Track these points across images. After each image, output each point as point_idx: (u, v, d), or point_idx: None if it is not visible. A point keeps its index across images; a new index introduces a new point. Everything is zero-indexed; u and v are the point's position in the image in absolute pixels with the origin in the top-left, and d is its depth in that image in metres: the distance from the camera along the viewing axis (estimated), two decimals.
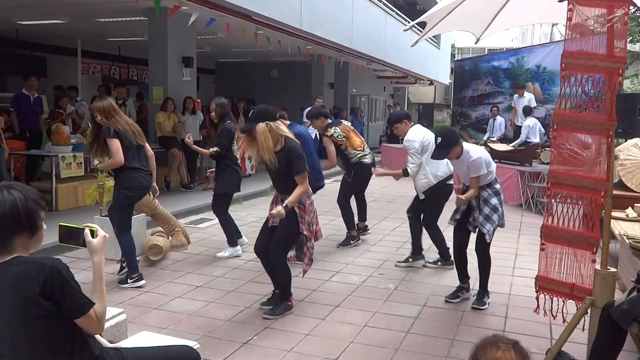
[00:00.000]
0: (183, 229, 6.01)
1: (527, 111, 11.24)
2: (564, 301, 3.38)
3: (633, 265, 4.10)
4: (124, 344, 2.48)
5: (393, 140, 15.36)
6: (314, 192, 4.34)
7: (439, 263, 5.37)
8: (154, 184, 4.86)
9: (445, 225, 5.66)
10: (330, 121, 6.06)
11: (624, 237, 4.54)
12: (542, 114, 13.05)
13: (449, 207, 5.02)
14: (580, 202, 3.22)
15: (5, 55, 12.26)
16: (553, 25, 26.14)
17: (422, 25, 4.85)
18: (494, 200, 4.18)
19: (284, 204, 3.87)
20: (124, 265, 4.80)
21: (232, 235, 5.64)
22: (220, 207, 5.62)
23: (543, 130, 11.29)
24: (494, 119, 13.41)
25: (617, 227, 4.92)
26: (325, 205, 7.70)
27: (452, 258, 5.07)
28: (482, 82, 17.11)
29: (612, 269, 3.15)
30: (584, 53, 3.11)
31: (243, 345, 3.59)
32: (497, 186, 4.27)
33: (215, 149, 5.39)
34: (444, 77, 24.37)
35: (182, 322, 3.96)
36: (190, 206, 7.90)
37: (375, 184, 10.23)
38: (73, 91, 10.53)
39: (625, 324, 2.76)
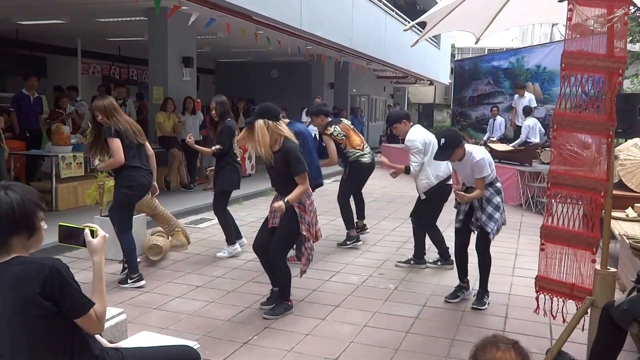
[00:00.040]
0: (183, 229, 6.01)
1: (527, 111, 11.24)
2: (564, 301, 3.38)
3: (633, 265, 4.10)
4: (124, 344, 2.48)
5: (393, 141, 15.35)
6: (313, 190, 4.34)
7: (439, 263, 5.37)
8: (154, 183, 4.86)
9: (445, 225, 5.68)
10: (331, 120, 6.06)
11: (624, 237, 4.55)
12: (542, 114, 13.05)
13: (448, 208, 5.03)
14: (580, 202, 3.22)
15: (5, 55, 12.26)
16: (553, 25, 26.14)
17: (422, 25, 4.85)
18: (497, 199, 4.20)
19: (284, 200, 3.88)
20: (126, 265, 4.80)
21: (231, 233, 5.62)
22: (221, 206, 5.62)
23: (543, 130, 11.30)
24: (494, 119, 13.42)
25: (617, 227, 4.92)
26: (325, 205, 7.70)
27: (452, 258, 5.10)
28: (482, 82, 17.12)
29: (612, 269, 3.15)
30: (584, 53, 3.11)
31: (243, 345, 3.59)
32: (499, 185, 4.28)
33: (217, 146, 5.38)
34: (444, 77, 24.38)
35: (182, 322, 3.96)
36: (190, 206, 7.90)
37: (375, 183, 10.25)
38: (73, 91, 10.53)
39: (625, 324, 2.76)
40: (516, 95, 12.53)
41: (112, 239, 4.61)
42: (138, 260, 4.87)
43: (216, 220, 5.93)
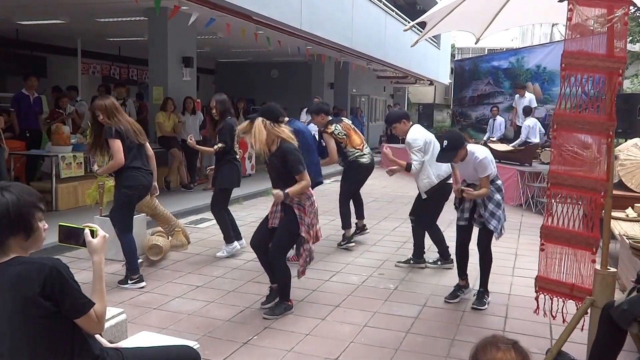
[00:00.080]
0: (183, 229, 6.01)
1: (527, 111, 11.24)
2: (564, 301, 3.38)
3: (633, 265, 4.10)
4: (124, 344, 2.48)
5: (393, 141, 15.34)
6: (313, 188, 4.33)
7: (439, 262, 5.37)
8: (155, 183, 4.86)
9: (446, 225, 5.68)
10: (331, 118, 6.05)
11: (624, 237, 4.55)
12: (542, 114, 13.05)
13: (448, 207, 5.03)
14: (580, 202, 3.22)
15: (5, 55, 12.26)
16: (553, 25, 26.14)
17: (422, 25, 4.85)
18: (497, 197, 4.22)
19: (284, 191, 3.88)
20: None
21: (229, 232, 5.59)
22: (218, 204, 5.58)
23: (543, 131, 11.30)
24: (494, 119, 13.42)
25: (617, 227, 4.92)
26: (325, 205, 7.70)
27: (452, 257, 5.11)
28: (482, 82, 17.12)
29: (612, 269, 3.15)
30: (584, 53, 3.11)
31: (243, 345, 3.59)
32: (499, 182, 4.30)
33: (220, 145, 5.36)
34: (444, 77, 24.38)
35: (182, 322, 3.96)
36: (190, 206, 7.90)
37: (375, 183, 10.25)
38: (73, 91, 10.53)
39: (625, 324, 2.76)
40: (517, 95, 12.53)
41: (113, 239, 4.61)
42: (140, 260, 4.87)
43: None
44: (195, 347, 2.50)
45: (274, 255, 4.09)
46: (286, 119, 4.23)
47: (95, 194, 5.57)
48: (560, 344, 3.07)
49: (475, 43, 5.27)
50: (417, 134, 5.11)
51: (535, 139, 10.61)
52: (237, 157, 5.63)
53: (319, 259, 5.38)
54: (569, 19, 3.09)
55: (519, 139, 10.89)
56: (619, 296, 3.08)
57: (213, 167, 5.67)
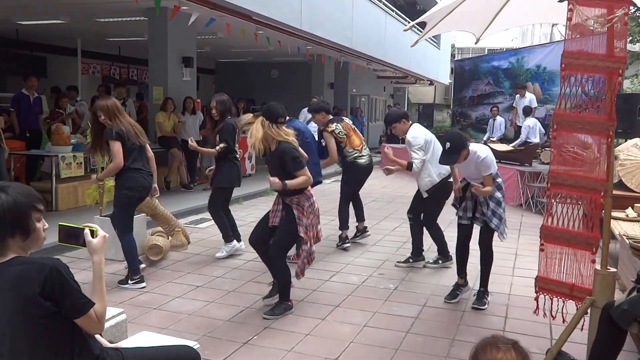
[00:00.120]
0: (183, 229, 6.01)
1: (527, 111, 11.25)
2: (564, 301, 3.38)
3: (633, 265, 4.10)
4: (124, 344, 2.48)
5: (392, 141, 15.34)
6: (312, 187, 4.33)
7: (440, 262, 5.38)
8: (155, 185, 4.86)
9: (446, 225, 5.68)
10: (332, 117, 6.04)
11: (624, 237, 4.55)
12: (542, 114, 13.06)
13: (448, 207, 5.02)
14: (580, 203, 3.22)
15: (5, 55, 12.26)
16: (553, 25, 26.14)
17: (422, 25, 4.84)
18: (498, 195, 4.23)
19: (283, 182, 3.89)
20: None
21: (227, 231, 5.55)
22: (216, 203, 5.53)
23: (543, 131, 11.30)
24: (494, 119, 13.42)
25: (617, 227, 4.92)
26: (325, 205, 7.69)
27: (452, 255, 5.12)
28: (482, 82, 17.13)
29: (612, 269, 3.15)
30: (584, 53, 3.11)
31: (243, 345, 3.59)
32: (499, 180, 4.30)
33: (222, 145, 5.33)
34: (444, 77, 24.37)
35: (182, 322, 3.96)
36: (190, 206, 7.90)
37: (375, 183, 10.24)
38: (73, 91, 10.53)
39: (625, 324, 2.76)
40: (517, 95, 12.54)
41: (113, 239, 4.61)
42: (143, 266, 4.86)
43: None
44: (195, 347, 2.51)
45: (274, 255, 4.10)
46: (287, 118, 4.25)
47: (95, 194, 5.56)
48: (560, 344, 3.07)
49: (475, 43, 5.27)
50: (418, 133, 5.10)
51: (535, 139, 10.61)
52: (238, 156, 5.62)
53: (319, 259, 5.38)
54: (569, 19, 3.09)
55: (519, 139, 10.89)
56: (619, 296, 3.08)
57: (213, 167, 5.65)
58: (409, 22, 11.59)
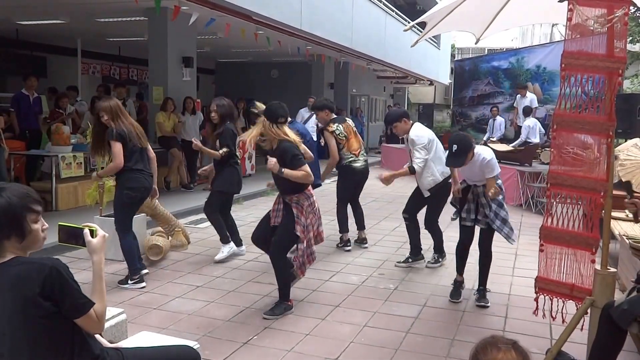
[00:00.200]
0: (183, 229, 6.01)
1: (527, 111, 11.24)
2: (563, 302, 3.38)
3: (633, 265, 4.10)
4: (124, 344, 2.48)
5: (393, 141, 15.35)
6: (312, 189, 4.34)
7: (440, 260, 5.41)
8: (154, 186, 4.87)
9: (446, 225, 5.68)
10: (335, 117, 6.02)
11: (624, 237, 4.55)
12: (542, 114, 13.06)
13: (448, 208, 5.02)
14: (580, 203, 3.22)
15: (5, 55, 12.26)
16: (553, 25, 26.14)
17: (422, 25, 4.84)
18: (499, 197, 4.22)
19: (281, 170, 3.92)
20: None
21: (224, 232, 5.51)
22: (212, 205, 5.48)
23: (543, 131, 11.30)
24: (494, 119, 13.42)
25: (617, 227, 4.92)
26: (325, 205, 7.68)
27: (445, 253, 5.16)
28: (482, 82, 17.12)
29: (612, 269, 3.15)
30: (584, 53, 3.11)
31: (243, 345, 3.59)
32: (499, 182, 4.30)
33: (225, 150, 5.30)
34: (444, 77, 24.37)
35: (182, 322, 3.96)
36: (190, 206, 7.90)
37: (375, 184, 10.21)
38: (73, 91, 10.53)
39: (625, 324, 2.76)
40: (518, 95, 12.53)
41: (113, 239, 4.61)
42: (146, 272, 4.85)
43: None
44: (195, 347, 2.51)
45: (274, 255, 4.10)
46: (289, 119, 4.26)
47: (95, 194, 5.56)
48: (560, 344, 3.07)
49: (475, 43, 5.27)
50: (422, 132, 5.10)
51: (535, 139, 10.61)
52: (238, 161, 5.59)
53: (319, 259, 5.37)
54: (569, 19, 3.09)
55: (519, 139, 10.89)
56: (619, 296, 3.08)
57: (206, 168, 5.66)
58: (409, 22, 11.60)
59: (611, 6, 3.00)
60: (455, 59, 25.47)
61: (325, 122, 5.89)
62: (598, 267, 3.16)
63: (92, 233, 2.01)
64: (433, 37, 18.54)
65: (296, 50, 12.60)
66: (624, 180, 5.98)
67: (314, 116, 11.53)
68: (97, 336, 2.11)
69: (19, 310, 1.84)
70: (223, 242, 5.53)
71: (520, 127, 11.53)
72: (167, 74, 9.35)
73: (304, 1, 10.18)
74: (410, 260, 5.41)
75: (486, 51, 27.36)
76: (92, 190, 5.61)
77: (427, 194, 5.15)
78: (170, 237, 5.78)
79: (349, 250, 5.99)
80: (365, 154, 6.08)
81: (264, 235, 4.23)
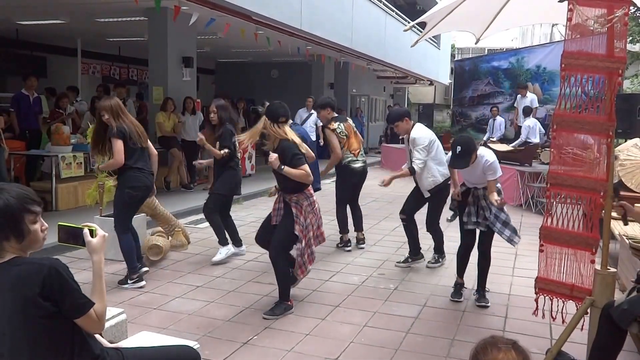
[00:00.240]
0: (183, 229, 6.01)
1: (527, 111, 11.24)
2: (563, 302, 3.38)
3: (633, 265, 4.10)
4: (124, 344, 2.48)
5: (394, 141, 15.35)
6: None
7: (441, 260, 5.41)
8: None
9: (445, 225, 5.68)
10: (337, 116, 6.02)
11: (624, 237, 4.55)
12: (542, 114, 13.06)
13: (448, 207, 5.03)
14: (579, 203, 3.22)
15: (5, 55, 12.26)
16: (553, 25, 26.13)
17: (422, 25, 4.84)
18: (504, 206, 4.23)
19: (281, 166, 3.95)
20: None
21: (223, 234, 5.50)
22: (211, 206, 5.46)
23: (543, 131, 11.30)
24: (494, 119, 13.42)
25: (617, 227, 4.92)
26: (325, 205, 7.66)
27: (449, 254, 5.11)
28: (482, 82, 17.12)
29: (612, 269, 3.15)
30: (584, 53, 3.11)
31: (243, 345, 3.59)
32: (498, 185, 4.31)
33: (226, 151, 5.30)
34: (444, 77, 24.37)
35: (182, 322, 3.96)
36: (190, 206, 7.90)
37: (376, 184, 10.20)
38: (73, 91, 10.52)
39: (625, 324, 2.76)
40: (518, 95, 12.53)
41: (113, 239, 4.61)
42: (146, 269, 4.85)
43: None
44: (195, 347, 2.51)
45: (273, 255, 4.11)
46: (290, 121, 4.28)
47: (95, 194, 5.56)
48: (560, 344, 3.07)
49: (476, 43, 5.27)
50: (423, 132, 5.10)
51: (535, 139, 10.61)
52: (238, 162, 5.58)
53: (319, 259, 5.38)
54: (569, 19, 3.09)
55: (519, 139, 10.89)
56: (619, 296, 3.08)
57: (203, 161, 5.74)
58: (409, 22, 11.60)
59: (611, 6, 3.00)
60: (455, 59, 25.47)
61: (327, 120, 5.89)
62: (598, 267, 3.16)
63: (92, 233, 2.01)
64: (433, 37, 18.54)
65: (296, 50, 12.61)
66: (623, 180, 5.99)
67: (312, 116, 11.59)
68: (97, 336, 2.11)
69: (19, 310, 1.84)
70: (221, 244, 5.50)
71: (520, 127, 11.53)
72: (167, 74, 9.35)
73: (304, 1, 10.18)
74: (409, 260, 5.42)
75: (486, 51, 27.35)
76: (92, 190, 5.60)
77: (427, 195, 5.15)
78: (170, 237, 5.78)
79: (349, 251, 5.99)
80: (364, 155, 6.07)
81: (268, 236, 4.24)
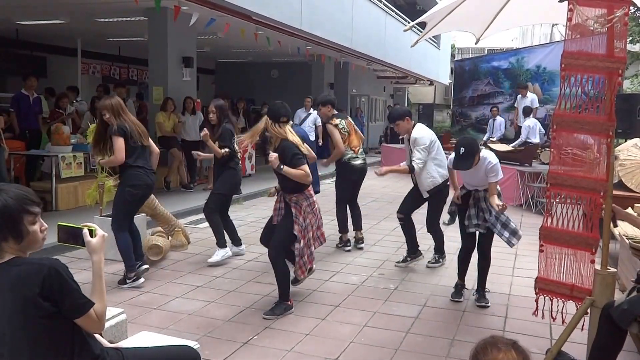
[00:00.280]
0: (183, 229, 6.01)
1: (527, 111, 11.24)
2: (564, 302, 3.38)
3: (633, 265, 4.10)
4: (124, 344, 2.48)
5: (394, 140, 15.35)
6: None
7: (441, 260, 5.41)
8: None
9: (444, 227, 5.67)
10: (337, 113, 6.02)
11: (624, 237, 4.55)
12: (542, 114, 13.06)
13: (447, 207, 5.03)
14: (579, 203, 3.22)
15: (5, 55, 12.26)
16: (553, 25, 26.13)
17: (422, 25, 4.85)
18: (505, 211, 4.23)
19: (280, 166, 3.97)
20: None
21: (222, 236, 5.46)
22: (211, 206, 5.44)
23: (543, 131, 11.30)
24: (494, 119, 13.42)
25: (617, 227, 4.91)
26: (325, 205, 7.67)
27: (449, 254, 5.11)
28: (482, 82, 17.11)
29: (612, 269, 3.15)
30: (584, 53, 3.11)
31: (243, 345, 3.59)
32: (498, 188, 4.31)
33: (226, 150, 5.30)
34: (444, 77, 24.37)
35: (182, 322, 3.96)
36: (190, 206, 7.90)
37: (376, 184, 10.25)
38: (73, 91, 10.52)
39: (625, 324, 2.76)
40: (519, 95, 12.53)
41: (112, 239, 4.61)
42: (146, 267, 4.85)
43: None
44: (195, 347, 2.51)
45: (273, 255, 4.10)
46: (291, 122, 4.30)
47: (95, 194, 5.55)
48: (560, 344, 3.07)
49: (476, 43, 5.27)
50: (425, 132, 5.09)
51: (535, 139, 10.61)
52: (238, 161, 5.58)
53: (319, 259, 5.38)
54: (569, 19, 3.09)
55: (519, 139, 10.89)
56: (619, 296, 3.08)
57: (201, 153, 5.76)
58: (409, 22, 11.60)
59: (611, 6, 3.00)
60: (455, 59, 25.47)
61: (328, 117, 5.90)
62: (598, 267, 3.16)
63: (92, 233, 2.01)
64: (433, 37, 18.54)
65: (296, 50, 12.61)
66: (623, 180, 5.99)
67: (311, 116, 11.59)
68: (97, 336, 2.11)
69: (19, 310, 1.84)
70: (219, 245, 5.46)
71: (520, 127, 11.53)
72: (167, 74, 9.35)
73: (304, 1, 10.18)
74: (408, 259, 5.42)
75: (486, 51, 27.35)
76: (92, 190, 5.60)
77: (426, 195, 5.16)
78: (170, 237, 5.78)
79: (348, 250, 5.99)
80: (363, 153, 6.09)
81: (272, 236, 4.23)
